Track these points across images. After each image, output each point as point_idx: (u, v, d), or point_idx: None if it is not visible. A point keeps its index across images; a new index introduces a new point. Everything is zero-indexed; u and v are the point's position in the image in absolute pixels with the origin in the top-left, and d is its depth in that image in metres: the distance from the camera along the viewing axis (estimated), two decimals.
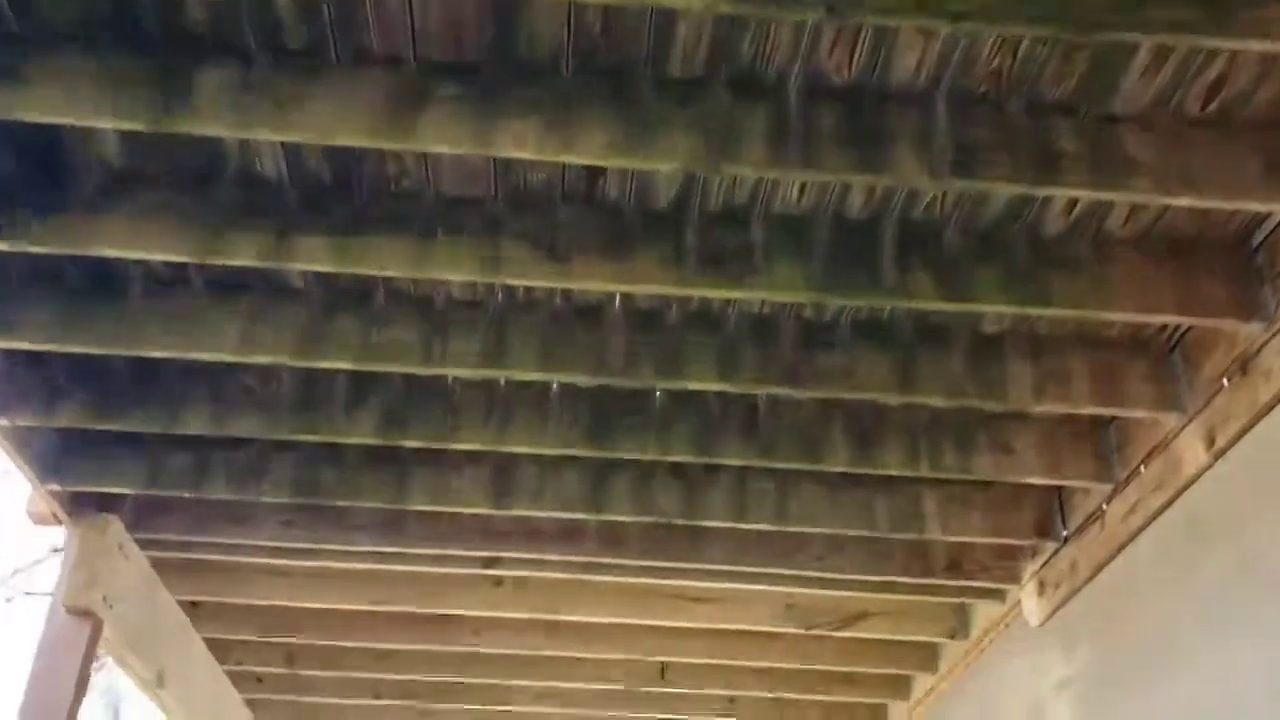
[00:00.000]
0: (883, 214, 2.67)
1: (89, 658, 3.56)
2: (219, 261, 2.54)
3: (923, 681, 4.96)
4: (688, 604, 4.45)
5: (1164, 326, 2.97)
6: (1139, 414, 3.03)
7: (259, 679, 5.34)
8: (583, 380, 3.00)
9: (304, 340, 2.86)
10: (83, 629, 3.55)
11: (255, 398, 3.21)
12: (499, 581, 4.40)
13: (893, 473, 3.37)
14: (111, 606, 3.63)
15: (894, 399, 3.07)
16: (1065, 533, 3.70)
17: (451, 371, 2.92)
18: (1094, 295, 2.65)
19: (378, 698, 5.39)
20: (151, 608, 4.00)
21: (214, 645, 4.78)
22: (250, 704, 5.40)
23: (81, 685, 3.54)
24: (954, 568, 4.01)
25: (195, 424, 3.18)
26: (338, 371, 3.22)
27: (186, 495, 3.66)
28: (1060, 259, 2.68)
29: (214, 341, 2.85)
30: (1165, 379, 3.01)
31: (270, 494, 3.54)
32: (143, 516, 3.80)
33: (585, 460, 3.63)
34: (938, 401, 3.02)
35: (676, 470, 3.66)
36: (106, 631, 3.65)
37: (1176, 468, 3.06)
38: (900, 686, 5.15)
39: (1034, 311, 2.72)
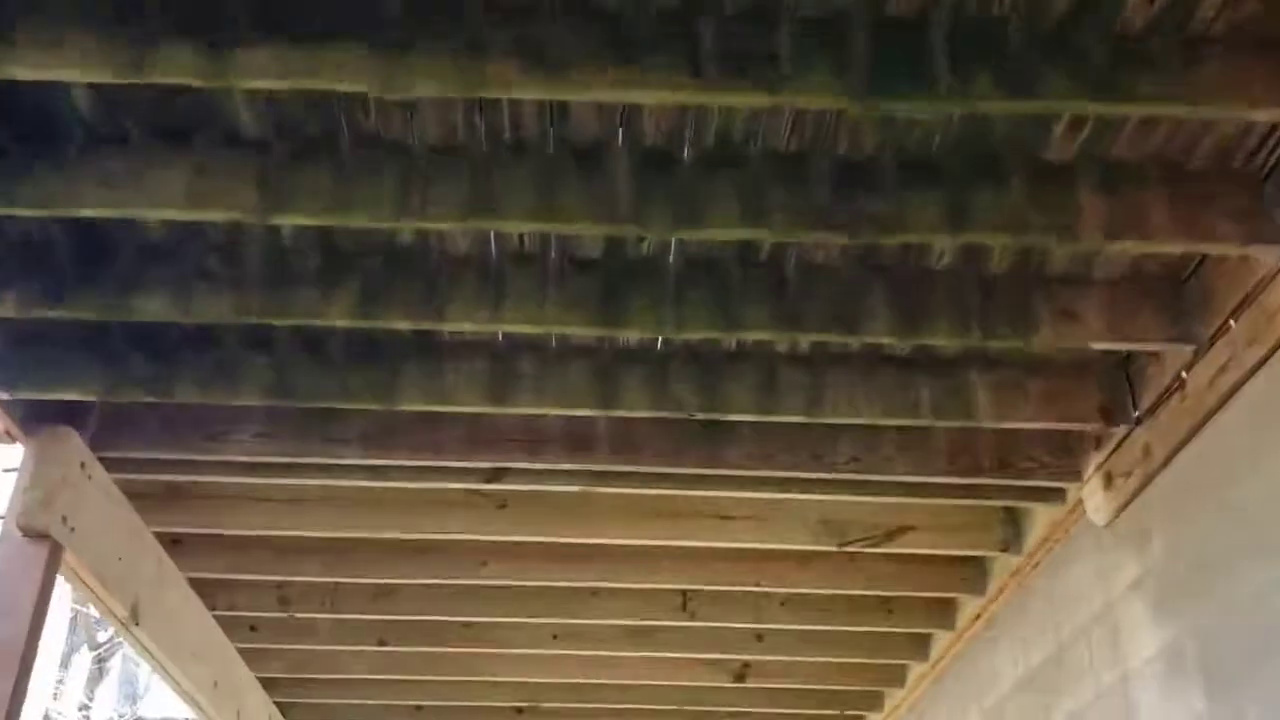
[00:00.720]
0: (931, 10, 2.26)
1: (47, 587, 3.20)
2: (147, 80, 2.14)
3: (970, 606, 4.57)
4: (711, 522, 4.07)
5: (1258, 147, 2.56)
6: (1230, 250, 2.62)
7: (252, 627, 4.98)
8: (585, 230, 2.59)
9: (262, 193, 2.47)
10: (39, 554, 3.18)
11: (217, 279, 2.83)
12: (503, 504, 4.02)
13: (940, 342, 2.97)
14: (73, 530, 3.26)
15: (945, 240, 2.66)
16: (1136, 413, 3.30)
17: (433, 224, 2.53)
18: (1179, 93, 2.24)
19: (381, 644, 5.03)
20: (121, 536, 3.63)
21: (199, 587, 4.42)
22: (244, 654, 5.04)
23: (39, 617, 3.17)
24: (1006, 466, 3.60)
25: (152, 308, 2.79)
26: (308, 245, 2.83)
27: (152, 402, 3.29)
28: (1141, 57, 2.28)
29: (160, 197, 2.46)
30: (1259, 214, 2.60)
31: (245, 396, 3.16)
32: (107, 433, 3.43)
33: (591, 351, 3.25)
34: (996, 240, 2.62)
35: (694, 355, 3.28)
36: (68, 558, 3.28)
37: (1274, 318, 2.65)
38: (945, 613, 4.76)
39: (1110, 110, 2.31)
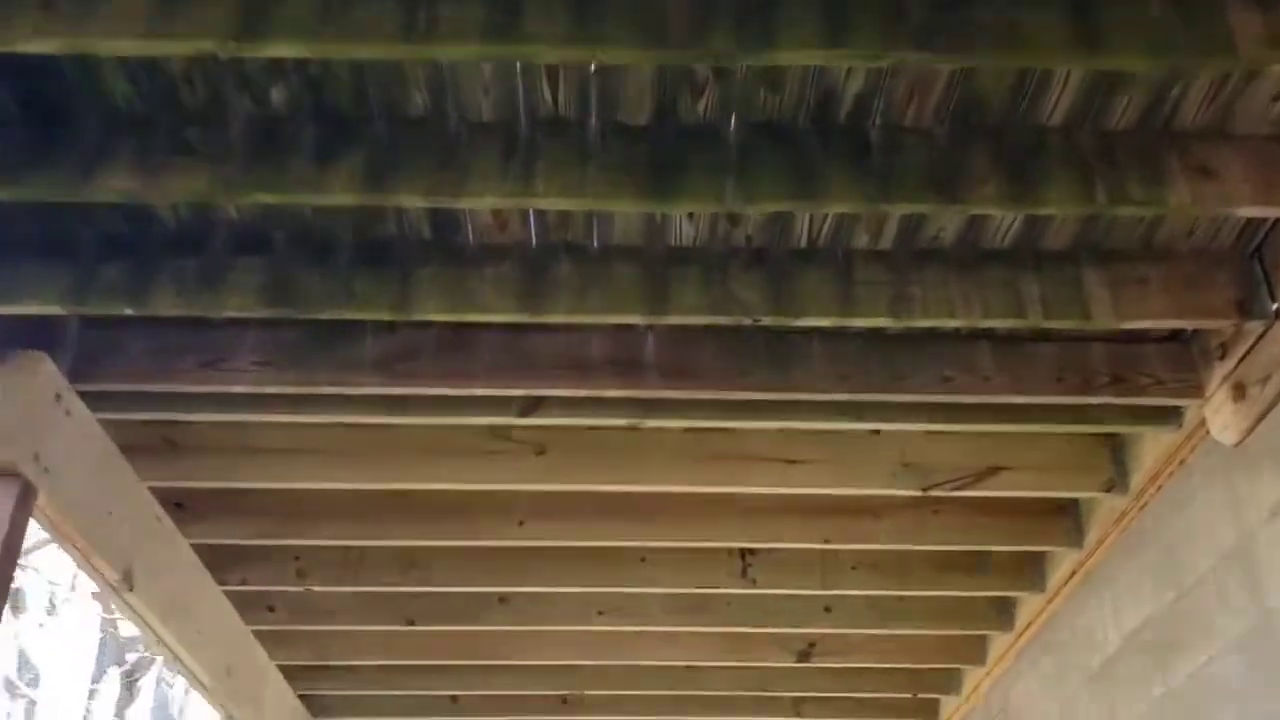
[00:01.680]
0: None
1: (16, 531, 2.76)
2: None
3: (1065, 560, 4.06)
4: (775, 466, 3.59)
5: None
6: None
7: (270, 607, 4.55)
8: (629, 58, 2.13)
9: (237, 18, 2.03)
10: (7, 492, 2.75)
11: (195, 151, 2.40)
12: (541, 449, 3.56)
13: (1055, 211, 2.49)
14: (47, 470, 2.83)
15: (1068, 63, 2.18)
16: (1275, 305, 2.81)
17: (442, 50, 2.07)
18: None
19: (410, 624, 4.58)
20: (107, 485, 3.19)
21: (205, 555, 3.99)
22: (260, 636, 4.61)
23: (8, 562, 2.74)
24: (1120, 381, 3.11)
25: (117, 181, 2.35)
26: (300, 110, 2.40)
27: (133, 320, 2.88)
28: None
29: (114, 27, 2.03)
30: None
31: (236, 305, 2.72)
32: (86, 363, 3.00)
33: (638, 252, 2.80)
34: (1130, 64, 2.15)
35: (757, 255, 2.82)
36: (41, 501, 2.85)
37: None
38: (1035, 571, 4.26)
39: None
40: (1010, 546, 4.03)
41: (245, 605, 4.40)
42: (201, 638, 3.95)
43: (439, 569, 4.24)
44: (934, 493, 3.58)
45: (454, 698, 5.49)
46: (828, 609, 4.59)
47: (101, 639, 16.00)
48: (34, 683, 13.85)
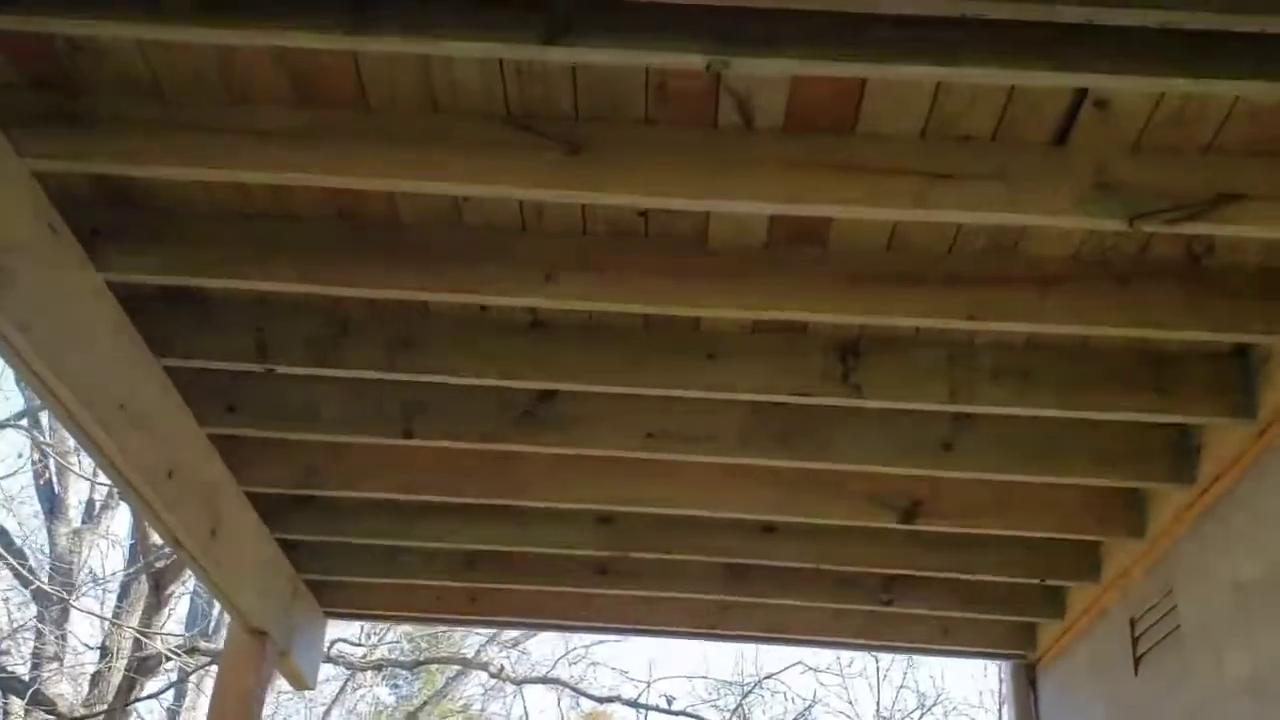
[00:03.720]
0: None
1: None
2: None
3: None
4: (915, 182, 2.50)
5: None
6: None
7: (230, 407, 3.54)
8: None
9: None
10: None
11: None
12: (575, 148, 2.49)
13: None
14: None
15: None
16: None
17: None
18: None
19: (407, 436, 3.55)
20: (65, 281, 2.20)
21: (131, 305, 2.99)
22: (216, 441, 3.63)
23: None
24: None
25: None
26: None
27: None
28: None
29: None
30: None
31: None
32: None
33: None
34: None
35: None
36: None
37: None
38: (1240, 389, 3.13)
39: None
40: (1222, 335, 2.89)
41: (191, 389, 3.40)
42: (122, 414, 2.96)
43: (436, 351, 3.21)
44: (1146, 226, 2.47)
45: (470, 560, 4.49)
46: (948, 446, 3.49)
47: (132, 545, 15.34)
48: (68, 587, 13.20)
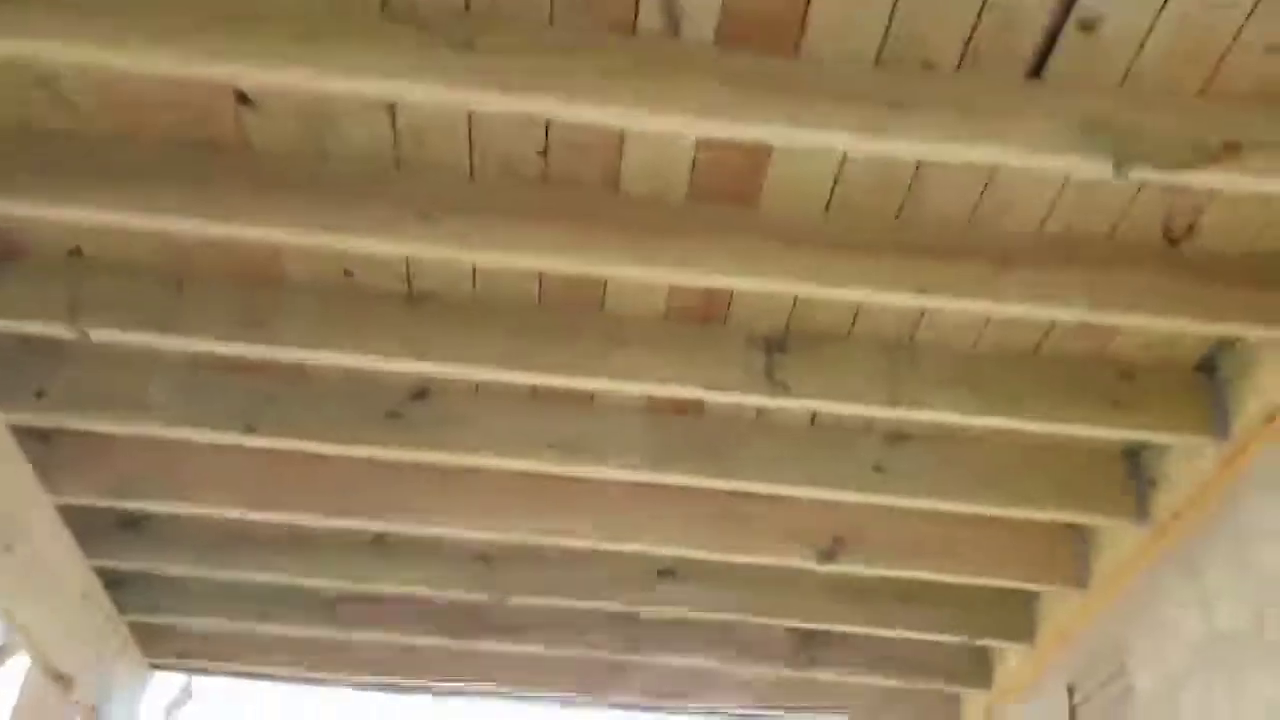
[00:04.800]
0: None
1: None
2: None
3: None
4: (871, 111, 2.10)
5: None
6: None
7: (39, 392, 2.95)
8: None
9: None
10: None
11: None
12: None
13: None
14: None
15: None
16: None
17: None
18: None
19: (249, 430, 2.99)
20: None
21: None
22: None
23: None
24: None
25: None
26: None
27: None
28: None
29: None
30: None
31: None
32: None
33: None
34: None
35: None
36: None
37: None
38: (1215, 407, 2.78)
39: None
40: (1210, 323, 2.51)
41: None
42: None
43: (297, 323, 2.69)
44: (1135, 173, 2.10)
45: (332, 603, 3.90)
46: (878, 468, 3.07)
47: None
48: None
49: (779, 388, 2.74)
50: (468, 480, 3.28)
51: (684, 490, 3.29)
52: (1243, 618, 2.72)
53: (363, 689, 4.14)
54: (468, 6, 2.06)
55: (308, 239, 2.37)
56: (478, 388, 2.99)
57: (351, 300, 2.71)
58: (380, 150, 2.36)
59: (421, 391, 2.99)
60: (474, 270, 2.63)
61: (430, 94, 2.04)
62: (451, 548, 3.59)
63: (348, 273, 2.68)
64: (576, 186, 2.40)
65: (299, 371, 2.95)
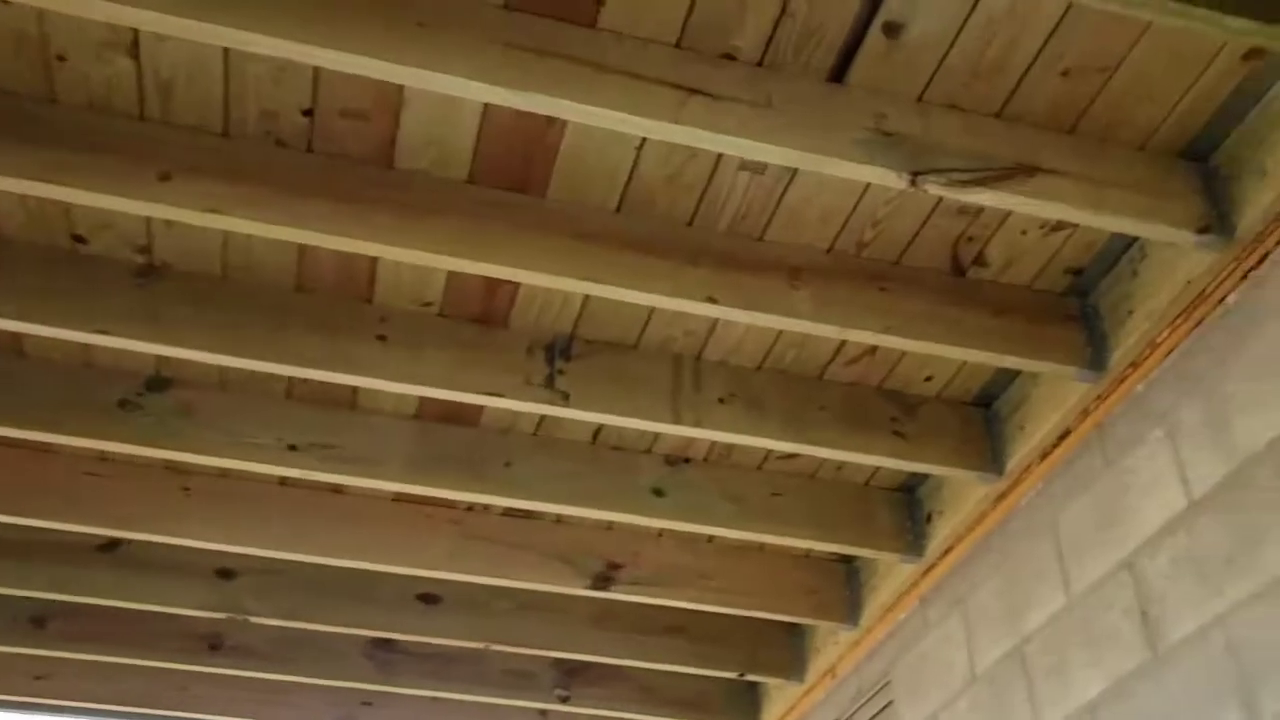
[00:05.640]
0: None
1: None
2: None
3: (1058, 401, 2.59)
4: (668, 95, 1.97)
5: None
6: None
7: None
8: None
9: None
10: None
11: None
12: None
13: None
14: None
15: None
16: None
17: None
18: None
19: None
20: None
21: None
22: None
23: None
24: None
25: None
26: None
27: None
28: None
29: None
30: None
31: None
32: None
33: None
34: None
35: None
36: None
37: None
38: (993, 441, 2.77)
39: None
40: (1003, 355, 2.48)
41: None
42: None
43: (17, 293, 2.35)
44: (929, 186, 2.04)
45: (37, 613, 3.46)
46: (657, 491, 2.94)
47: None
48: None
49: (559, 397, 2.57)
50: (209, 484, 2.96)
51: (450, 506, 3.07)
52: (1005, 654, 2.70)
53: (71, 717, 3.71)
54: None
55: (25, 189, 2.06)
56: (224, 378, 2.69)
57: (80, 268, 2.39)
58: (119, 95, 2.08)
59: (159, 379, 2.68)
60: (224, 242, 2.35)
61: (182, 28, 1.78)
62: (187, 559, 3.24)
63: (77, 238, 2.36)
64: (345, 153, 2.17)
65: (15, 349, 2.59)
